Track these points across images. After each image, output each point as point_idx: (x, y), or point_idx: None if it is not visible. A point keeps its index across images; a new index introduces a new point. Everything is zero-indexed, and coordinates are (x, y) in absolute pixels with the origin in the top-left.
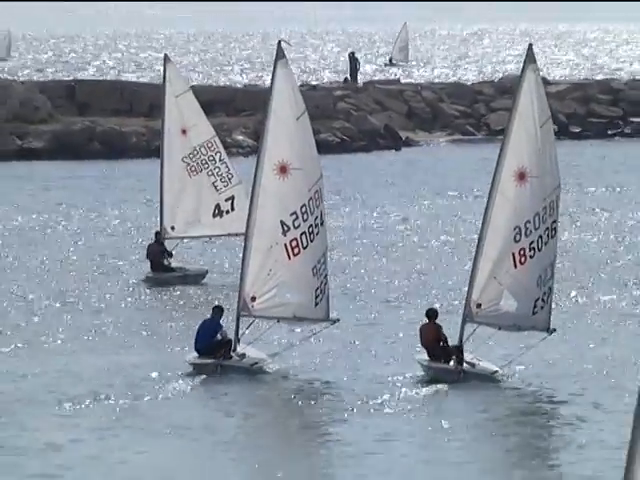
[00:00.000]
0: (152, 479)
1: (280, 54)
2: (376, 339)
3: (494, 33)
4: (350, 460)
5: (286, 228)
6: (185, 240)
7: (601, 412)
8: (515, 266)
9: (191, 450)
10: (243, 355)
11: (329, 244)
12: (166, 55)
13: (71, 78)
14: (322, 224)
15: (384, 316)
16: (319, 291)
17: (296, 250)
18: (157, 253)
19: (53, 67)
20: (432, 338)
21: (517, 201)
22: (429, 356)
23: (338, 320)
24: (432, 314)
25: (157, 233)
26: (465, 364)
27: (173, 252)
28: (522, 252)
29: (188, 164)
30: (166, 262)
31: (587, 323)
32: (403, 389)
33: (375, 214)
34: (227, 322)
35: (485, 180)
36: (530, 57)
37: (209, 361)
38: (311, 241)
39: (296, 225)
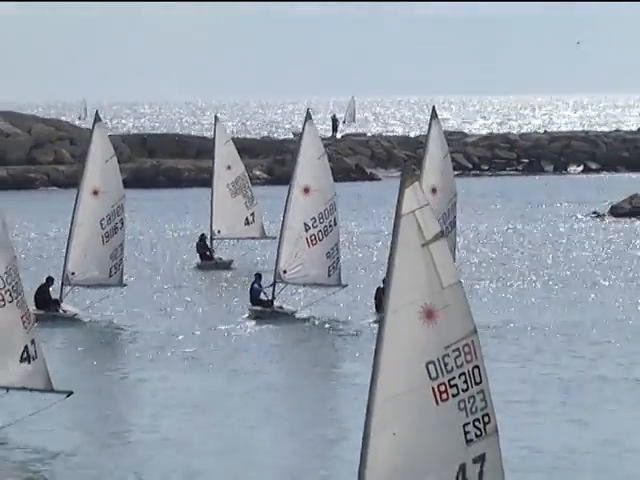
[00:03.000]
0: (208, 406)
1: (308, 116)
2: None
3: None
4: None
5: (307, 227)
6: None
7: None
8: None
9: (238, 383)
10: (281, 307)
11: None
12: (216, 116)
13: (144, 132)
14: (335, 225)
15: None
16: (331, 267)
17: (314, 241)
18: (201, 248)
19: (132, 123)
20: (380, 298)
21: (433, 205)
22: (376, 309)
23: (346, 285)
24: (384, 283)
25: (202, 235)
26: None
27: (214, 248)
28: None
29: (230, 189)
30: (208, 253)
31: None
32: None
33: (364, 222)
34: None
35: None
36: (434, 115)
37: (265, 309)
38: (326, 236)
39: (314, 226)
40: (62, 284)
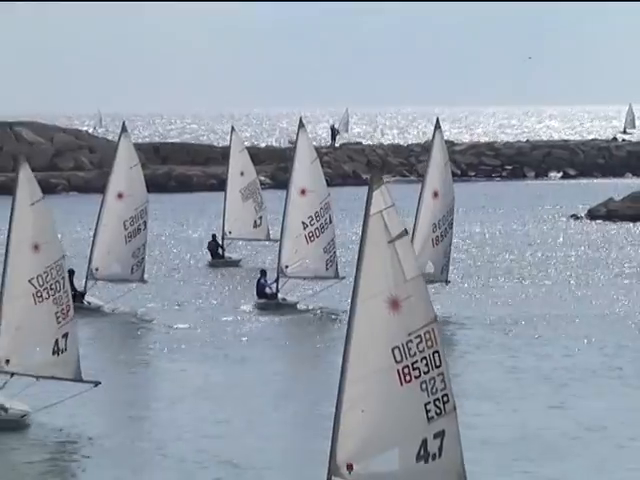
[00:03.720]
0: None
1: (301, 124)
2: None
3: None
4: None
5: (305, 225)
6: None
7: None
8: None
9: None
10: (284, 299)
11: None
12: (232, 126)
13: (157, 141)
14: (330, 222)
15: None
16: (329, 261)
17: (312, 238)
18: (213, 247)
19: (147, 133)
20: None
21: (434, 208)
22: None
23: (344, 277)
24: None
25: (213, 235)
26: None
27: (225, 247)
28: (436, 239)
29: (242, 194)
30: (220, 252)
31: None
32: None
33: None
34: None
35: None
36: (437, 125)
37: (270, 301)
38: (322, 232)
39: (312, 224)
40: (86, 278)
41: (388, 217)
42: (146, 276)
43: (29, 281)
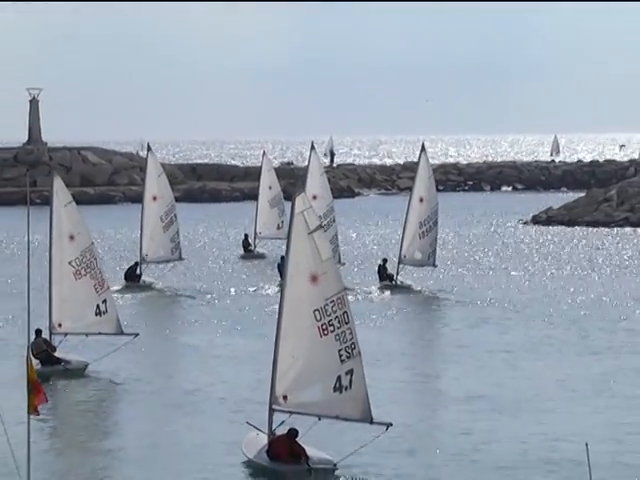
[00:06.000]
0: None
1: (312, 146)
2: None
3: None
4: None
5: None
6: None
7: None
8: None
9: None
10: None
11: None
12: (264, 151)
13: (193, 162)
14: (334, 221)
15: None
16: (333, 251)
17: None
18: (245, 244)
19: (184, 154)
20: (381, 272)
21: (421, 211)
22: (380, 279)
23: (345, 263)
24: (383, 261)
25: (246, 235)
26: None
27: (256, 244)
28: (422, 234)
29: (269, 203)
30: (250, 248)
31: None
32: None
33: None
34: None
35: (400, 208)
36: (422, 148)
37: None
38: (328, 228)
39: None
40: (140, 262)
41: (308, 216)
42: (184, 255)
43: (69, 263)
